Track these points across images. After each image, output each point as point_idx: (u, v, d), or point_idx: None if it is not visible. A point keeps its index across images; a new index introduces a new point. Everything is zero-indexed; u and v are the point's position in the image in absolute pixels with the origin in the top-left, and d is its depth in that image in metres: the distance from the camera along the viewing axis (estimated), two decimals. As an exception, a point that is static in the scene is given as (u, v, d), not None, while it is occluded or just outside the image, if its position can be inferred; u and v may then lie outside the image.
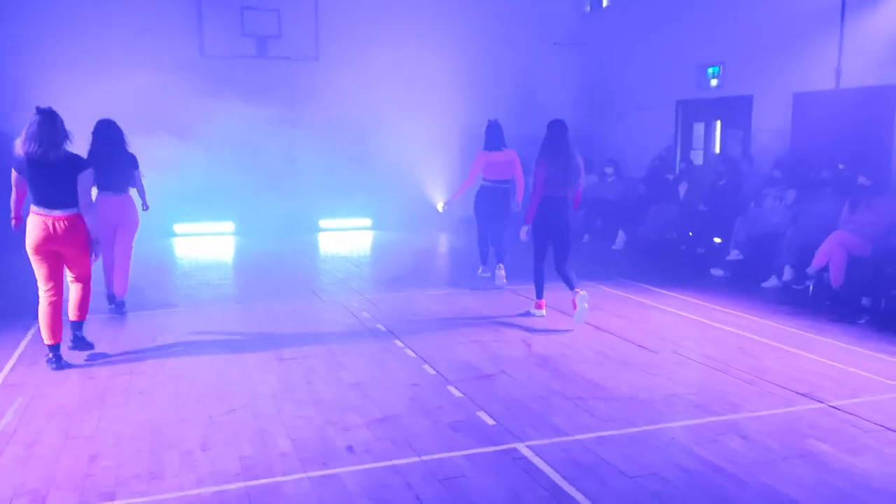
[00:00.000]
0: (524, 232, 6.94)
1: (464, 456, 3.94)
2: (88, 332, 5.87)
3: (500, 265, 8.44)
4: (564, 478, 3.68)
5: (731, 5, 11.24)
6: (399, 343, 6.12)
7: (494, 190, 8.47)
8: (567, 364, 5.56)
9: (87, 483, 3.60)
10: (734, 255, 9.00)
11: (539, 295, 7.14)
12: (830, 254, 7.25)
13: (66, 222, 5.26)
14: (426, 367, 5.49)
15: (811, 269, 7.53)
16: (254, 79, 13.29)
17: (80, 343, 5.72)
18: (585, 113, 14.90)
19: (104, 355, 5.74)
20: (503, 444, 4.10)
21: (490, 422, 4.43)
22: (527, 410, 4.61)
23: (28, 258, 5.35)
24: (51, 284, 5.36)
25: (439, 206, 14.38)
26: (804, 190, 8.68)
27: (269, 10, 13.29)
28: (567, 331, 6.52)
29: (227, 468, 3.77)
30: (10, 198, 5.48)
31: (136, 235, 7.14)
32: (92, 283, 5.65)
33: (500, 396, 4.86)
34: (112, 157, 6.76)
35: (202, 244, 11.97)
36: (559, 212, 6.71)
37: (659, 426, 4.35)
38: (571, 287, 6.76)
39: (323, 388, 5.03)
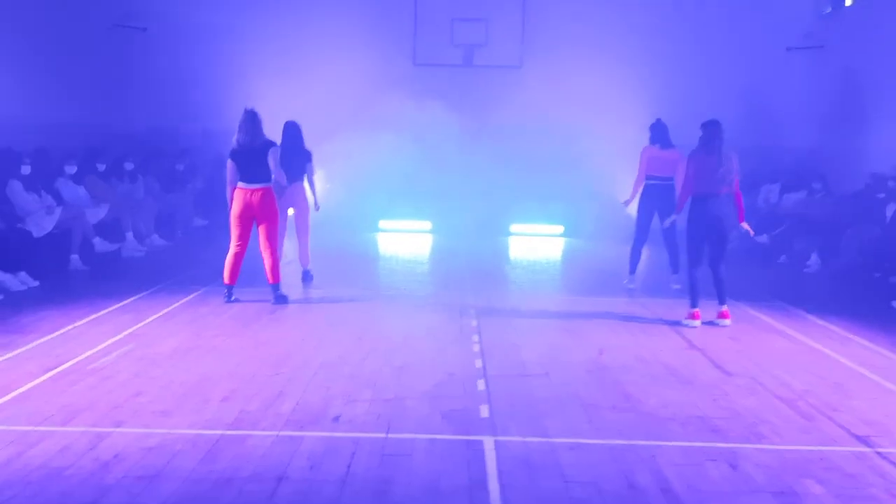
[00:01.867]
0: (668, 221, 7.26)
1: (427, 439, 4.10)
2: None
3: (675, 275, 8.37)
4: (500, 473, 3.70)
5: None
6: (475, 337, 6.30)
7: (661, 188, 8.24)
8: (619, 375, 5.36)
9: (113, 412, 4.35)
10: (917, 286, 7.79)
11: (693, 303, 6.90)
12: None
13: (261, 193, 6.91)
14: (478, 360, 5.63)
15: None
16: (459, 87, 13.99)
17: (280, 299, 7.17)
18: (814, 122, 13.64)
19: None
20: (474, 434, 4.18)
21: (485, 415, 4.50)
22: (530, 410, 4.60)
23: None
24: (240, 242, 7.08)
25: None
26: None
27: (478, 21, 13.92)
28: (660, 343, 6.23)
29: (225, 417, 4.31)
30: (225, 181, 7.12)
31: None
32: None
33: (519, 395, 4.88)
34: (290, 151, 7.80)
35: (402, 240, 12.82)
36: (713, 210, 6.67)
37: (650, 443, 4.12)
38: (721, 300, 6.82)
39: (370, 365, 5.41)
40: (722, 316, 6.92)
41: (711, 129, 6.79)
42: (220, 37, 13.46)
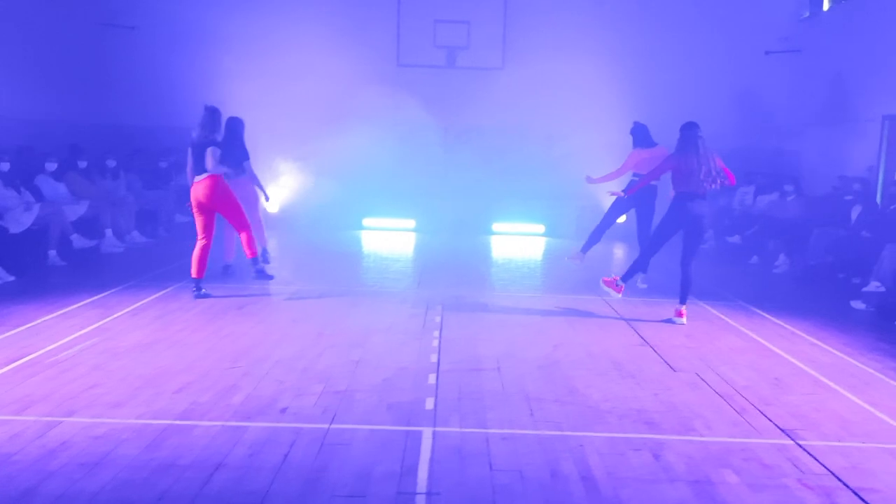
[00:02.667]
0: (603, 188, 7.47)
1: (368, 430, 4.26)
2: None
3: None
4: (431, 461, 3.86)
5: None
6: (436, 333, 6.46)
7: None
8: (569, 370, 5.52)
9: (66, 402, 4.50)
10: (874, 286, 7.95)
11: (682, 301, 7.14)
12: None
13: (203, 184, 7.25)
14: (433, 355, 5.79)
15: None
16: (442, 87, 14.16)
17: (260, 273, 7.73)
18: (790, 126, 13.82)
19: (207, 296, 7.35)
20: (415, 426, 4.34)
21: (429, 407, 4.66)
22: (475, 403, 4.76)
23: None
24: (202, 234, 7.40)
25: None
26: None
27: (461, 23, 14.08)
28: (609, 339, 6.39)
29: (175, 408, 4.47)
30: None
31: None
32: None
33: (467, 389, 5.03)
34: (229, 147, 8.01)
35: (384, 237, 12.99)
36: (695, 210, 6.88)
37: (581, 433, 4.28)
38: (682, 299, 7.06)
39: (326, 360, 5.56)
40: (678, 314, 7.09)
41: (689, 131, 6.98)
42: (206, 36, 13.58)
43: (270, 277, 7.90)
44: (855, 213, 9.85)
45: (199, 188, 7.31)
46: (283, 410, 4.52)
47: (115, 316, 6.63)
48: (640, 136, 8.70)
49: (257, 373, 5.20)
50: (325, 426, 4.29)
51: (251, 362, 5.43)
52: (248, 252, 7.65)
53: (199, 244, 7.44)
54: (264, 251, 8.54)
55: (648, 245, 7.45)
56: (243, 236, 7.60)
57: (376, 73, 13.77)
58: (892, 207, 8.97)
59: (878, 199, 10.77)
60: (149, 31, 13.70)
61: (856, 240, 9.31)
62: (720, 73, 13.88)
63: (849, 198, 10.36)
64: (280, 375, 5.17)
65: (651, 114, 13.26)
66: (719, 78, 13.86)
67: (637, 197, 8.45)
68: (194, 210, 7.43)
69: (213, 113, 7.41)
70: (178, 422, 4.26)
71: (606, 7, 13.94)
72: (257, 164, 13.71)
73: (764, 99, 14.32)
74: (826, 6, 13.80)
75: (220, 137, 7.49)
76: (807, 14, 14.33)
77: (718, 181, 6.87)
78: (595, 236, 8.90)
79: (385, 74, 13.89)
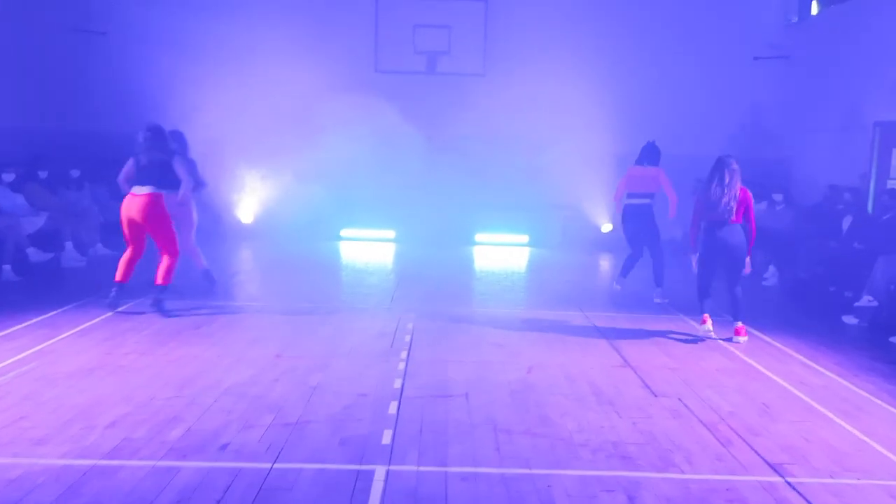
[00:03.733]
0: (694, 261, 7.05)
1: (316, 470, 3.85)
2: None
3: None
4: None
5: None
6: (404, 354, 6.06)
7: (634, 207, 8.49)
8: (543, 395, 5.14)
9: (-14, 438, 4.08)
10: (866, 300, 7.61)
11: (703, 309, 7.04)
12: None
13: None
14: (398, 380, 5.39)
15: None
16: (423, 94, 13.76)
17: (157, 304, 7.03)
18: (780, 133, 13.52)
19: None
20: (368, 464, 3.94)
21: (386, 441, 4.26)
22: (438, 436, 4.36)
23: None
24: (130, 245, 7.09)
25: (604, 228, 13.91)
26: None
27: (441, 28, 13.71)
28: (594, 362, 6.01)
29: (104, 446, 4.05)
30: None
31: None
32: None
33: (430, 419, 4.63)
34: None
35: (362, 249, 12.60)
36: (722, 237, 6.74)
37: (550, 472, 3.89)
38: (735, 316, 6.95)
39: (281, 387, 5.15)
40: (737, 332, 6.85)
41: (716, 163, 6.86)
42: (179, 43, 13.17)
43: (167, 311, 7.04)
44: (846, 223, 9.52)
45: (135, 203, 6.90)
46: (224, 447, 4.10)
47: (61, 337, 6.19)
48: (644, 153, 8.61)
49: (203, 402, 4.78)
50: (268, 466, 3.88)
51: (198, 390, 5.01)
52: (159, 277, 7.09)
53: (127, 254, 7.10)
54: (207, 272, 8.17)
55: (698, 282, 7.11)
56: (166, 261, 7.10)
57: (354, 79, 13.37)
58: (884, 218, 8.63)
59: (870, 208, 10.46)
60: (120, 37, 13.26)
61: (847, 252, 8.98)
62: (708, 79, 13.57)
63: (840, 207, 10.03)
64: (228, 405, 4.76)
65: (636, 120, 13.07)
66: (707, 84, 13.54)
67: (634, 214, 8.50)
68: (123, 225, 7.03)
69: (158, 131, 7.10)
70: (103, 462, 3.84)
71: (590, 13, 13.60)
72: (233, 173, 13.46)
73: (753, 106, 14.03)
74: (815, 10, 13.54)
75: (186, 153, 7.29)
76: (795, 19, 14.07)
77: (730, 217, 6.71)
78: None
79: (363, 81, 13.49)
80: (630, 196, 8.53)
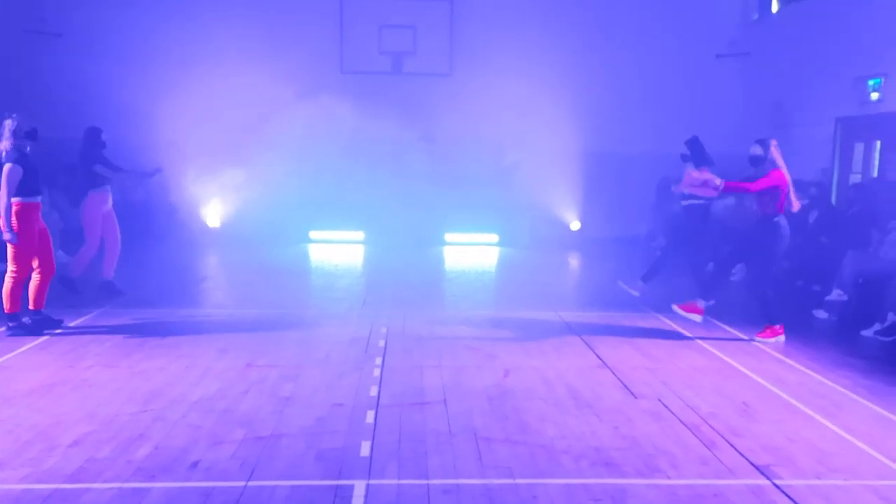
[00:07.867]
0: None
1: (290, 487, 3.70)
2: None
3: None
4: (361, 524, 3.33)
5: None
6: (378, 360, 5.92)
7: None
8: (521, 401, 5.04)
9: (-62, 463, 3.86)
10: (836, 295, 7.65)
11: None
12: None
13: None
14: (374, 387, 5.25)
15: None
16: (389, 94, 13.61)
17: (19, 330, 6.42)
18: (742, 129, 13.61)
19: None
20: (346, 479, 3.79)
21: (364, 453, 4.12)
22: (417, 447, 4.23)
23: None
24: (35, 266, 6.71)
25: (573, 226, 13.91)
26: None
27: (406, 28, 13.58)
28: (570, 363, 5.93)
29: (66, 468, 3.85)
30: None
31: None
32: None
33: (409, 428, 4.50)
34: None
35: (331, 251, 12.41)
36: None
37: (535, 481, 3.79)
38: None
39: (252, 399, 4.98)
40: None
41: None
42: (138, 45, 12.89)
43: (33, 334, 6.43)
44: (812, 218, 9.59)
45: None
46: (194, 465, 3.93)
47: (20, 351, 5.94)
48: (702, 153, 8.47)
49: (170, 417, 4.60)
50: (242, 484, 3.71)
51: (165, 404, 4.82)
52: (31, 301, 6.55)
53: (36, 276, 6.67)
54: (110, 282, 8.05)
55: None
56: (39, 279, 6.63)
57: (320, 81, 13.20)
58: (850, 211, 8.70)
59: (834, 201, 10.57)
60: (76, 39, 12.90)
61: (814, 245, 9.04)
62: (670, 76, 13.65)
63: (805, 202, 10.09)
64: (196, 419, 4.58)
65: (601, 119, 13.11)
66: (670, 82, 13.62)
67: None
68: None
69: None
70: (66, 485, 3.65)
71: (554, 13, 13.58)
72: (199, 177, 13.14)
73: (715, 103, 14.11)
74: (775, 8, 13.66)
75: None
76: (756, 17, 14.20)
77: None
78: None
79: (329, 82, 13.32)
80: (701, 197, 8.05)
